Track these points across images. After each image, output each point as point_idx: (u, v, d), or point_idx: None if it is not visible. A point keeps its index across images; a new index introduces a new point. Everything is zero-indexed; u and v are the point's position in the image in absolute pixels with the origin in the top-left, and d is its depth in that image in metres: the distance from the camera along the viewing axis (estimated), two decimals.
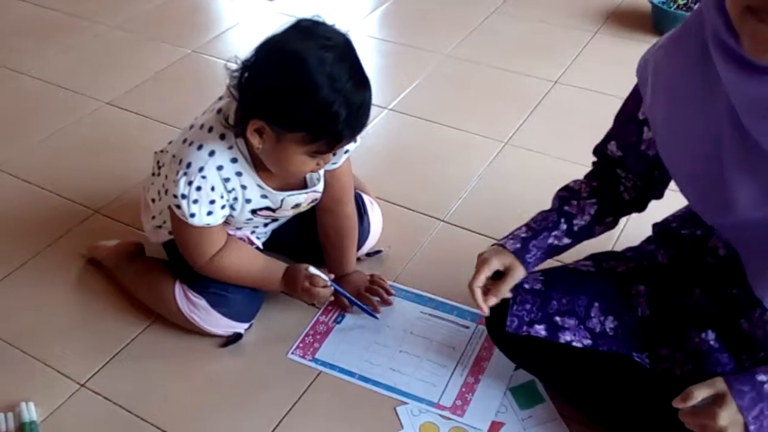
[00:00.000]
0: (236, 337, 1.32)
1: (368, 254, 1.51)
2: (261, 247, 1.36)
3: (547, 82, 2.12)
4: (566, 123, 1.95)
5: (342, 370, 1.29)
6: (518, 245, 1.14)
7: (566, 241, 1.16)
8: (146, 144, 1.65)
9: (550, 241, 1.15)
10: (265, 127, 1.08)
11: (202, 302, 1.27)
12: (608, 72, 2.14)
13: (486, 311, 1.13)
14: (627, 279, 1.16)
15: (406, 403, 1.23)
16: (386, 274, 1.47)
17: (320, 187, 1.29)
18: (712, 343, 1.06)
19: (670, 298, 1.12)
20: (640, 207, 1.19)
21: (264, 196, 1.23)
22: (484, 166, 1.80)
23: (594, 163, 1.21)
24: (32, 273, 1.48)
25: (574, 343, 1.10)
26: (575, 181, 1.21)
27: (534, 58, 2.23)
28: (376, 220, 1.50)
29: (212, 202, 1.17)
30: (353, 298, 1.35)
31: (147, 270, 1.37)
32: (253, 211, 1.24)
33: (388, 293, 1.42)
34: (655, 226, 1.24)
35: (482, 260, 1.15)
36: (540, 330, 1.12)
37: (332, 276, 1.30)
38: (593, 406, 1.18)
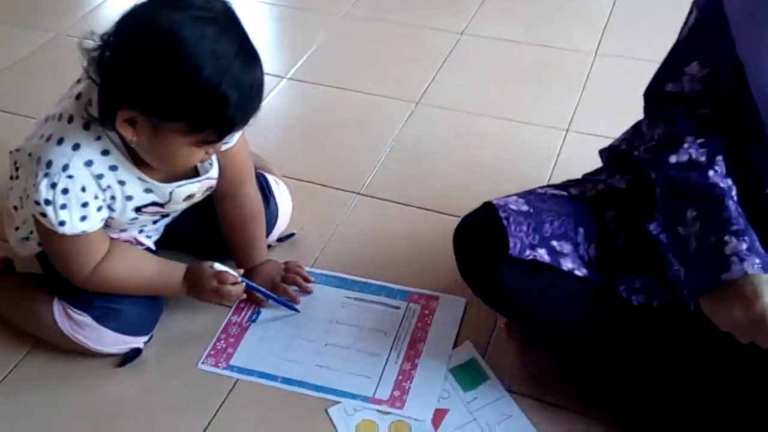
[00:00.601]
0: (134, 353, 1.14)
1: (280, 239, 1.35)
2: (153, 247, 1.18)
3: (452, 34, 1.99)
4: (477, 76, 1.84)
5: (262, 375, 1.13)
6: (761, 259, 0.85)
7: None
8: (4, 143, 1.42)
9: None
10: (138, 118, 0.90)
11: (86, 319, 1.08)
12: (515, 19, 2.04)
13: None
14: (597, 202, 1.07)
15: (338, 403, 1.09)
16: (303, 260, 1.32)
17: (215, 172, 1.11)
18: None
19: (639, 225, 1.02)
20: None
21: (148, 191, 1.04)
22: (396, 130, 1.67)
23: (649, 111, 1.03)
24: None
25: (576, 272, 1.00)
26: (676, 152, 0.95)
27: (436, 10, 2.10)
28: (284, 200, 1.34)
29: (85, 204, 0.98)
30: (268, 292, 1.19)
31: (18, 288, 1.17)
32: (138, 209, 1.06)
33: (307, 280, 1.27)
34: (603, 152, 1.15)
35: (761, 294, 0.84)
36: (543, 254, 0.99)
37: (241, 270, 1.14)
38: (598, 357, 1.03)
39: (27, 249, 1.14)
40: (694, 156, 0.94)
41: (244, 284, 1.13)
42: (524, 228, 1.00)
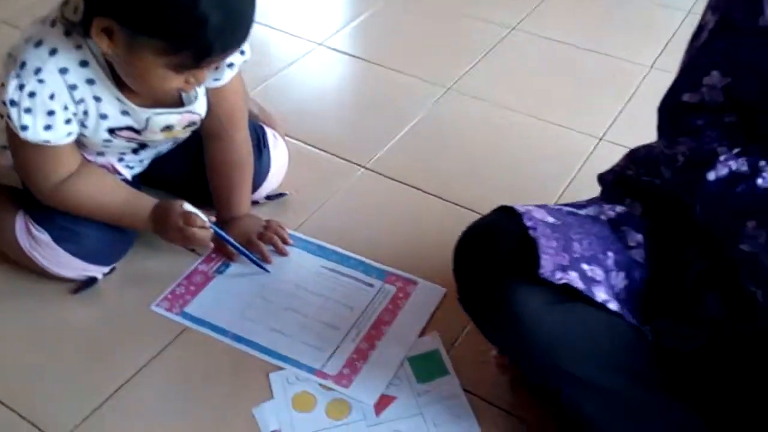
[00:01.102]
0: (89, 282, 1.11)
1: (269, 197, 1.30)
2: (129, 178, 1.14)
3: (503, 27, 1.89)
4: (518, 71, 1.74)
5: (213, 327, 1.08)
6: None
7: None
8: None
9: None
10: (114, 27, 0.86)
11: (45, 237, 1.06)
12: (574, 21, 1.93)
13: None
14: (618, 225, 0.87)
15: (282, 369, 1.03)
16: (288, 222, 1.26)
17: (200, 107, 1.07)
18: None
19: (668, 254, 0.86)
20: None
21: (125, 113, 1.01)
22: (422, 112, 1.59)
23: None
24: None
25: (610, 304, 0.79)
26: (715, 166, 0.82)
27: (493, 2, 2.01)
28: (279, 157, 1.28)
29: (51, 113, 0.95)
30: (237, 244, 1.14)
31: None
32: (112, 131, 1.02)
33: (285, 242, 1.21)
34: (605, 176, 0.99)
35: None
36: (576, 279, 0.78)
37: (213, 218, 1.08)
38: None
39: (5, 158, 1.12)
40: (734, 168, 0.81)
41: (212, 231, 1.08)
42: (553, 244, 0.80)
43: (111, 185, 1.08)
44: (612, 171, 0.99)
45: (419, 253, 1.24)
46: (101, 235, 1.08)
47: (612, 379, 0.84)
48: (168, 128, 1.06)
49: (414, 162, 1.44)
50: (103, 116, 0.99)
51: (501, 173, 1.43)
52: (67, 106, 0.95)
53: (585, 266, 0.80)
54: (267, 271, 1.16)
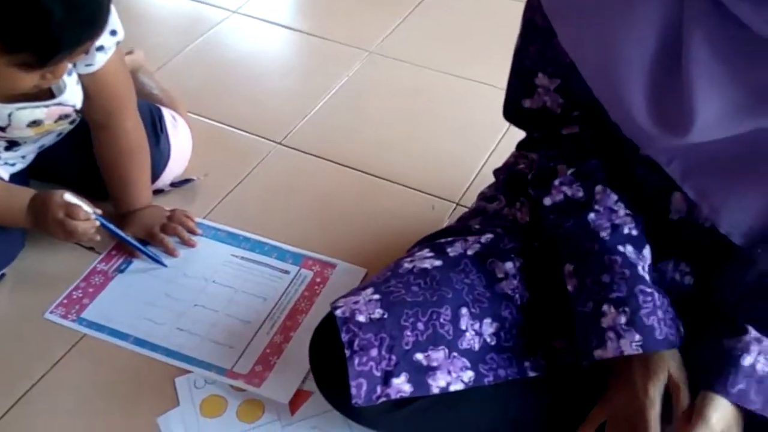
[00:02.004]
0: None
1: (173, 184, 1.21)
2: (6, 178, 1.04)
3: None
4: (446, 29, 1.65)
5: (113, 332, 1.00)
6: (643, 340, 0.70)
7: (647, 252, 0.75)
8: None
9: (648, 284, 0.72)
10: None
11: None
12: None
13: None
14: (484, 259, 0.83)
15: (189, 372, 0.96)
16: (197, 210, 1.18)
17: (71, 97, 0.96)
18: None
19: (549, 270, 0.82)
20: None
21: None
22: (342, 79, 1.50)
23: (524, 145, 0.88)
24: None
25: (452, 387, 0.75)
26: (549, 194, 0.80)
27: None
28: (180, 141, 1.19)
29: None
30: (128, 237, 1.05)
31: None
32: None
33: (192, 232, 1.13)
34: (499, 172, 0.95)
35: (654, 385, 0.70)
36: (401, 385, 0.74)
37: (99, 210, 0.99)
38: None
39: None
40: (569, 194, 0.78)
41: (97, 223, 0.98)
42: (374, 353, 0.74)
43: None
44: (505, 166, 0.94)
45: (338, 233, 1.16)
46: None
47: None
48: (36, 123, 0.95)
49: (333, 134, 1.36)
50: None
51: (423, 141, 1.35)
52: None
53: (419, 356, 0.75)
54: (164, 265, 1.08)
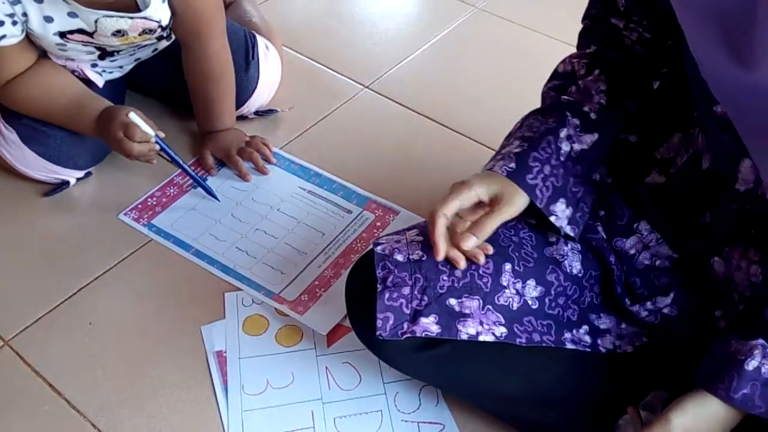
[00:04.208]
0: (60, 185, 1.09)
1: (258, 113, 1.24)
2: (100, 86, 1.08)
3: None
4: None
5: (177, 241, 1.05)
6: (512, 165, 0.75)
7: (588, 138, 0.77)
8: None
9: (564, 147, 0.76)
10: None
11: (13, 136, 1.03)
12: None
13: (441, 253, 0.73)
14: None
15: (239, 290, 0.99)
16: (276, 140, 1.20)
17: (155, 13, 0.98)
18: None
19: (603, 244, 0.79)
20: (656, 71, 0.80)
21: (73, 14, 0.94)
22: (443, 32, 1.47)
23: (582, 33, 0.85)
24: None
25: (482, 337, 0.74)
26: (563, 62, 0.84)
27: None
28: (270, 70, 1.21)
29: None
30: (184, 164, 1.06)
31: None
32: (63, 35, 0.96)
33: (267, 160, 1.15)
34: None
35: (460, 184, 0.75)
36: (429, 325, 0.73)
37: (162, 133, 1.00)
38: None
39: None
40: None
41: (156, 146, 1.01)
42: (405, 291, 0.73)
43: (60, 87, 1.02)
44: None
45: (407, 182, 1.16)
46: (69, 138, 1.05)
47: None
48: (120, 33, 0.98)
49: (421, 85, 1.34)
50: (48, 18, 0.93)
51: (514, 103, 1.30)
52: None
53: (452, 301, 0.74)
54: (217, 199, 1.09)
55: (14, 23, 0.92)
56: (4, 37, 0.93)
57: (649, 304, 0.76)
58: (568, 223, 0.76)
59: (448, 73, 1.37)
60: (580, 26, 0.86)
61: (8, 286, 0.98)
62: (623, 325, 0.77)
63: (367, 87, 1.33)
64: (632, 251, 0.78)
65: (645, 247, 0.78)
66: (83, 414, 0.85)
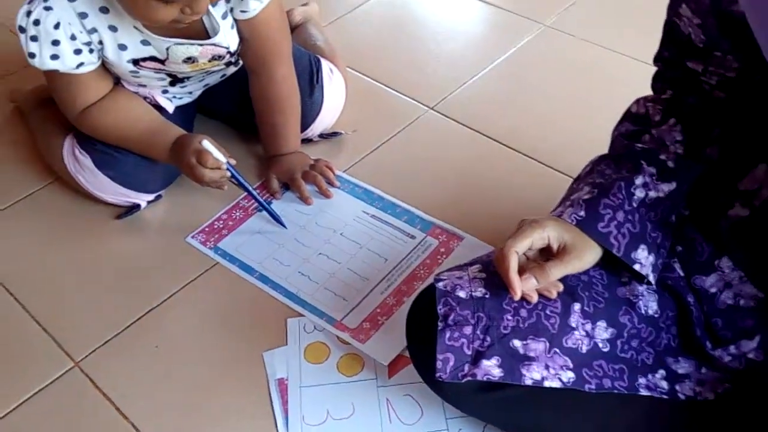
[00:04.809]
0: (132, 208, 1.11)
1: (322, 135, 1.24)
2: (170, 111, 1.11)
3: None
4: (625, 7, 1.53)
5: (242, 265, 1.05)
6: (581, 213, 0.72)
7: (666, 187, 0.73)
8: None
9: (638, 194, 0.72)
10: None
11: (87, 161, 1.07)
12: None
13: (518, 291, 0.69)
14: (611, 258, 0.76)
15: (301, 316, 0.99)
16: (340, 163, 1.20)
17: (225, 40, 1.00)
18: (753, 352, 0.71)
19: (680, 282, 0.75)
20: (739, 116, 0.75)
21: (145, 42, 0.97)
22: (509, 50, 1.45)
23: (656, 76, 0.82)
24: None
25: (547, 382, 0.70)
26: (636, 102, 0.80)
27: None
28: (334, 93, 1.21)
29: (56, 42, 0.92)
30: (254, 191, 1.07)
31: (49, 118, 1.17)
32: (135, 62, 0.99)
33: (331, 183, 1.15)
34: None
35: (533, 222, 0.72)
36: (491, 369, 0.70)
37: (233, 161, 1.02)
38: None
39: None
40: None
41: (227, 173, 1.02)
42: (467, 331, 0.71)
43: (135, 114, 1.05)
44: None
45: (472, 207, 1.13)
46: (140, 162, 1.08)
47: None
48: (191, 60, 1.00)
49: (488, 106, 1.32)
50: (122, 47, 0.96)
51: (585, 123, 1.27)
52: (75, 36, 0.93)
53: (516, 342, 0.71)
54: (284, 226, 1.10)
55: (91, 51, 0.96)
56: (81, 64, 0.96)
57: (732, 348, 0.71)
58: (653, 271, 0.72)
59: (515, 94, 1.35)
60: (651, 42, 0.82)
61: (80, 306, 1.01)
62: (704, 370, 0.73)
63: (432, 108, 1.32)
64: (713, 290, 0.73)
65: (727, 285, 0.73)
66: None
